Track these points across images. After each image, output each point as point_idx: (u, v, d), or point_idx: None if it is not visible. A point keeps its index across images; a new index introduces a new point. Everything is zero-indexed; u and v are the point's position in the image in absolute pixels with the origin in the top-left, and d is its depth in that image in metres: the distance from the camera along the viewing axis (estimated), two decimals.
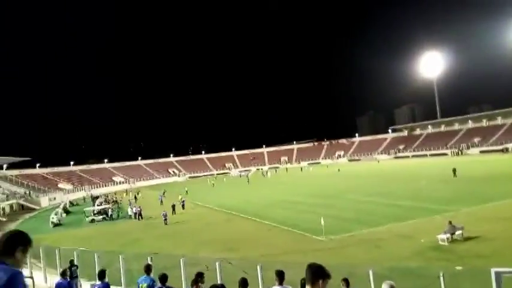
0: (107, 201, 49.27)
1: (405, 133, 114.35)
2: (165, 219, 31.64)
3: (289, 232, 23.55)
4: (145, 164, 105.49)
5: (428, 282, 10.88)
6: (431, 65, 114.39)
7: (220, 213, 34.44)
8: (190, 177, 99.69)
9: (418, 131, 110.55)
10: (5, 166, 74.01)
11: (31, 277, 10.33)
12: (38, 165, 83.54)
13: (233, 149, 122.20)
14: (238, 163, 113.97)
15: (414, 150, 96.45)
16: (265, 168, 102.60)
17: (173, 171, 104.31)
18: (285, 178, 68.63)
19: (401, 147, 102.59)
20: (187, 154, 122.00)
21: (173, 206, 36.99)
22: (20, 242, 2.53)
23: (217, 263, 10.84)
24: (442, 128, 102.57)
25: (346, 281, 8.43)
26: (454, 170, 41.20)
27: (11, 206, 55.81)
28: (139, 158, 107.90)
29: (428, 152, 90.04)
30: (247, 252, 19.22)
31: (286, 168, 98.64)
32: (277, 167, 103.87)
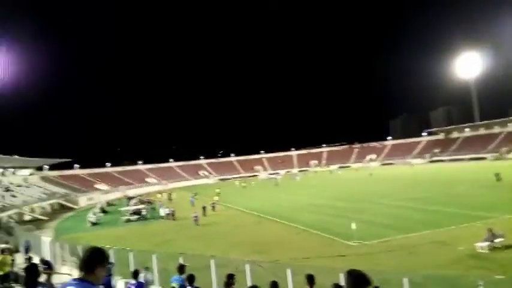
0: (141, 202, 50.75)
1: (441, 136, 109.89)
2: (196, 221, 32.25)
3: (319, 236, 23.31)
4: (176, 166, 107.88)
5: None
6: (468, 65, 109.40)
7: (249, 216, 34.62)
8: (220, 179, 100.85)
9: (455, 134, 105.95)
10: (46, 167, 78.19)
11: (70, 274, 10.77)
12: (77, 166, 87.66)
13: (262, 152, 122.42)
14: (267, 166, 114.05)
15: (451, 154, 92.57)
16: (294, 171, 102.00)
17: (203, 173, 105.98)
18: (315, 181, 67.93)
19: (437, 150, 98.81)
20: (217, 157, 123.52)
21: (204, 208, 37.61)
22: (99, 259, 2.72)
23: (247, 265, 10.92)
24: (481, 131, 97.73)
25: None
26: (497, 175, 39.08)
27: (52, 206, 58.83)
28: (171, 160, 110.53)
29: (466, 156, 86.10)
30: (276, 255, 19.18)
31: (316, 172, 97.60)
32: (306, 170, 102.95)
